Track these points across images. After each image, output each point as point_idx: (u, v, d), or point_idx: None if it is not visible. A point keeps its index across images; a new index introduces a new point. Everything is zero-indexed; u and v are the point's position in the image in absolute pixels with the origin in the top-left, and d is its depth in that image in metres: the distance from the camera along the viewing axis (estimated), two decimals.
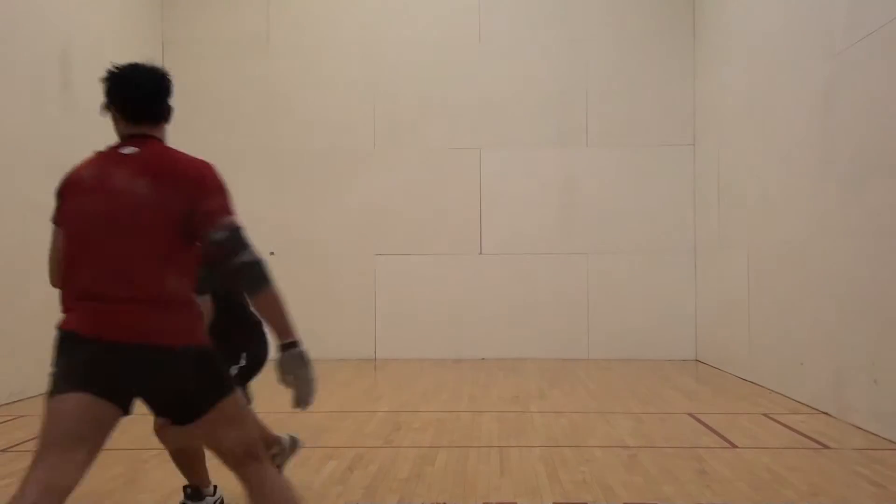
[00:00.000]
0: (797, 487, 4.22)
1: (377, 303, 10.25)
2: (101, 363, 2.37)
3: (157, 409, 2.61)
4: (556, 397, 7.30)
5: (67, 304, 2.48)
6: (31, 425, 5.99)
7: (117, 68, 2.57)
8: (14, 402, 7.04)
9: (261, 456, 2.53)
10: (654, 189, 10.13)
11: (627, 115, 10.18)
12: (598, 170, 10.17)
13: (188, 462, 3.71)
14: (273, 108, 10.40)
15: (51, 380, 2.39)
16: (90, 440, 2.40)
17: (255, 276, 2.48)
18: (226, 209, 2.46)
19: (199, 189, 2.44)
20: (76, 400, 2.35)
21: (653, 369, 9.09)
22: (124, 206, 2.43)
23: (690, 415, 6.34)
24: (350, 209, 10.22)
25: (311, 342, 10.05)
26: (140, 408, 2.53)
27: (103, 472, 4.62)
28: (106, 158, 2.57)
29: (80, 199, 2.53)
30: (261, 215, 10.33)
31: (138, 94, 2.57)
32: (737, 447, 5.18)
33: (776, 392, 7.20)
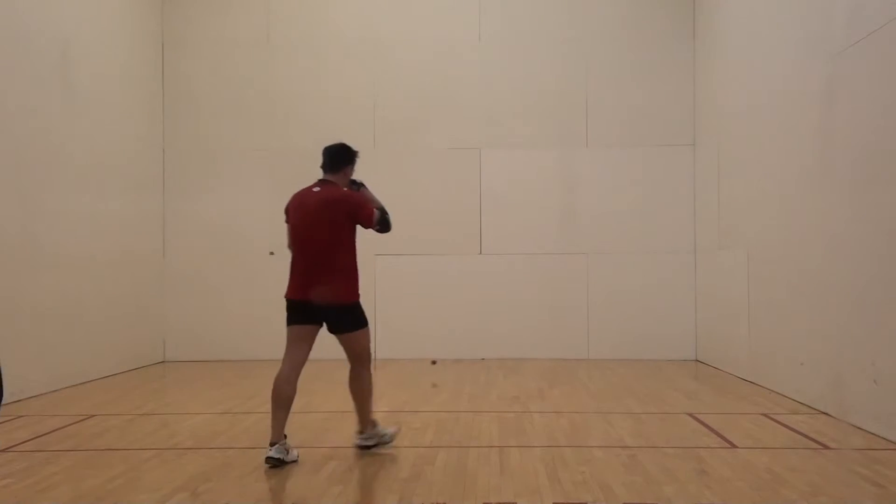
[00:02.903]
0: (797, 487, 4.21)
1: (377, 303, 10.24)
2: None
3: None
4: (556, 397, 7.30)
5: None
6: (31, 425, 6.00)
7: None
8: (14, 402, 7.03)
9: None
10: (654, 189, 10.13)
11: (627, 115, 10.18)
12: (598, 170, 10.17)
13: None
14: (273, 108, 10.40)
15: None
16: None
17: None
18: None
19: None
20: None
21: (653, 369, 9.09)
22: None
23: (690, 415, 6.34)
24: None
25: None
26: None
27: (103, 472, 4.63)
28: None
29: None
30: (261, 215, 10.34)
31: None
32: (737, 447, 5.18)
33: (776, 392, 7.20)
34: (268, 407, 6.75)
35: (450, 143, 10.28)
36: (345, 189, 4.98)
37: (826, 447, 5.15)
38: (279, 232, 10.16)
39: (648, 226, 10.12)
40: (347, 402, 7.14)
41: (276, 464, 4.69)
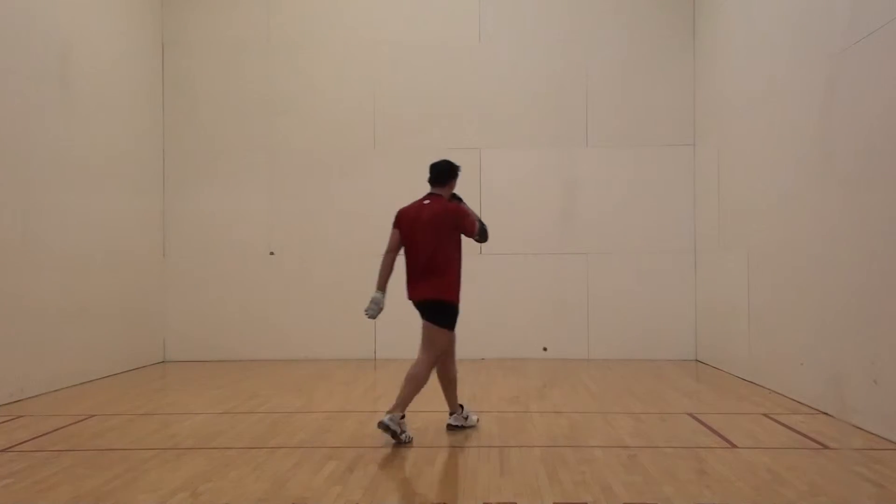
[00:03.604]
0: (797, 487, 4.22)
1: None
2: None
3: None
4: (556, 397, 7.30)
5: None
6: (31, 425, 6.00)
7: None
8: (14, 402, 7.04)
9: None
10: (654, 189, 10.13)
11: (627, 115, 10.18)
12: (598, 170, 10.17)
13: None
14: (273, 108, 10.40)
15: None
16: None
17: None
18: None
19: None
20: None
21: (653, 369, 9.08)
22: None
23: (690, 415, 6.34)
24: (350, 209, 10.23)
25: (312, 342, 10.01)
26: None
27: (103, 472, 4.63)
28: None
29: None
30: (261, 215, 10.35)
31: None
32: (737, 447, 5.18)
33: (776, 392, 7.20)
34: (267, 407, 6.78)
35: (450, 143, 10.27)
36: (450, 202, 5.69)
37: (826, 447, 5.15)
38: (279, 232, 10.33)
39: (648, 226, 10.12)
40: (347, 402, 7.19)
41: (454, 429, 5.66)
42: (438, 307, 5.52)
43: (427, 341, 5.55)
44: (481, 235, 5.72)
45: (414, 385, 5.47)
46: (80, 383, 8.15)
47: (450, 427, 5.70)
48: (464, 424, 5.74)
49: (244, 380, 8.49)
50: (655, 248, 10.13)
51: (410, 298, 5.62)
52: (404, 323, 10.63)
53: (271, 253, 10.34)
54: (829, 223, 6.17)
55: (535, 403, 6.89)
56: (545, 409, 6.64)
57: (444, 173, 5.78)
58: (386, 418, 5.29)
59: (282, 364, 9.64)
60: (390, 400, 7.21)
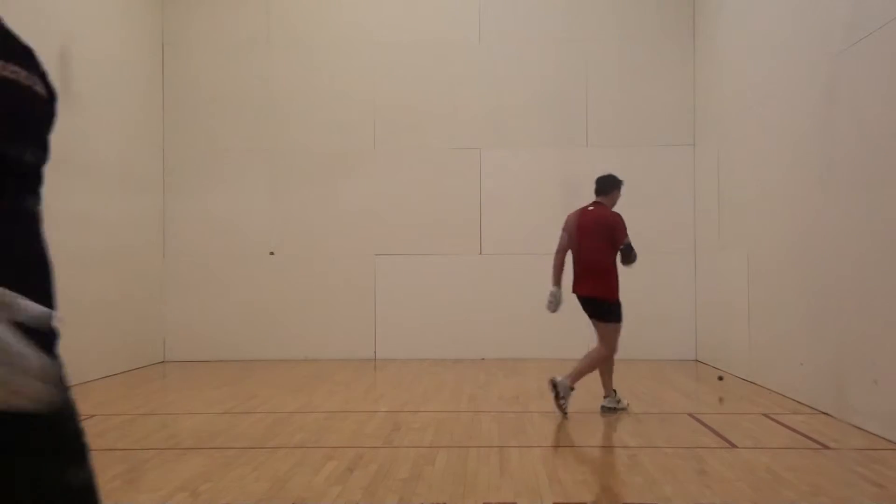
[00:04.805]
0: (797, 487, 4.21)
1: (377, 303, 10.25)
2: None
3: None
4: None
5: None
6: None
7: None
8: None
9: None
10: (653, 189, 10.12)
11: (627, 115, 10.18)
12: (598, 170, 10.09)
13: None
14: (273, 108, 10.40)
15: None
16: None
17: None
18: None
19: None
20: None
21: (653, 369, 9.08)
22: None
23: (690, 415, 6.34)
24: (350, 209, 10.23)
25: (312, 342, 10.01)
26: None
27: (103, 472, 4.63)
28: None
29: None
30: (261, 215, 10.36)
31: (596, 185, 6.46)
32: (737, 447, 5.18)
33: (776, 392, 7.19)
34: (267, 407, 6.79)
35: (450, 143, 10.28)
36: (611, 211, 6.30)
37: (826, 447, 5.15)
38: (279, 232, 10.33)
39: (648, 226, 10.09)
40: (347, 402, 7.19)
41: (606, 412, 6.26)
42: (603, 306, 6.17)
43: (599, 336, 6.26)
44: (627, 250, 6.13)
45: (587, 364, 6.17)
46: (80, 383, 8.13)
47: (603, 409, 6.27)
48: (616, 407, 6.28)
49: (244, 380, 8.49)
50: (655, 248, 10.11)
51: (574, 292, 6.31)
52: (404, 323, 10.69)
53: (271, 253, 10.34)
54: (829, 223, 6.16)
55: (534, 403, 6.89)
56: (545, 409, 6.63)
57: (607, 185, 6.40)
58: (558, 378, 6.03)
59: (282, 364, 9.64)
60: (390, 400, 7.26)
